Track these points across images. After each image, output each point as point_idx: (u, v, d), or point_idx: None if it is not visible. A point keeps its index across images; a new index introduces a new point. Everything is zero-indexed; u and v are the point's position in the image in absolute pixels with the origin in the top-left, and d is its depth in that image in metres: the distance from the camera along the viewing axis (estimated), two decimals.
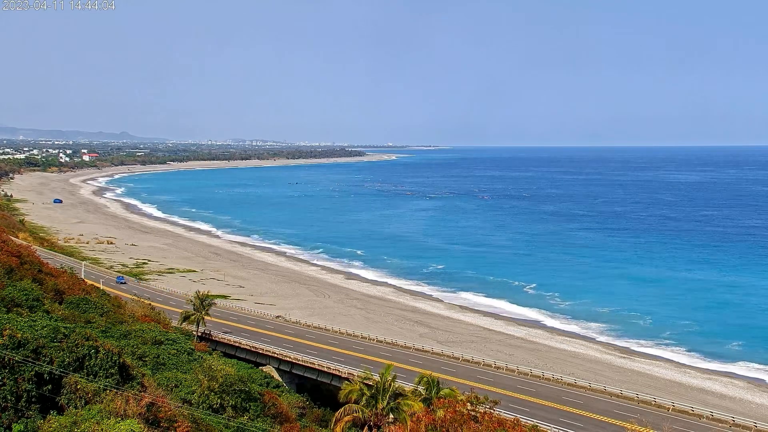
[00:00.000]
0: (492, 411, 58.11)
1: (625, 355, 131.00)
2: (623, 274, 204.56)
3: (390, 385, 63.85)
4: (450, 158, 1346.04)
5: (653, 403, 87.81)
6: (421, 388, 66.86)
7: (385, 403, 62.70)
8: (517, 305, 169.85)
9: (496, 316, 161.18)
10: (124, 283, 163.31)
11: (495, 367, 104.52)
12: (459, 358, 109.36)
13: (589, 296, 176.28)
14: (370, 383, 65.24)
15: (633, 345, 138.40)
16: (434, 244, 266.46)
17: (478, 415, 53.04)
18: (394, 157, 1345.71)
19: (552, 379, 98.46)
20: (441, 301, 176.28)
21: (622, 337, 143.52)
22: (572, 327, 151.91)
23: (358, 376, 78.53)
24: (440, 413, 50.98)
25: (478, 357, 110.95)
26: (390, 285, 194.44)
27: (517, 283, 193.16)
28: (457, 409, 51.34)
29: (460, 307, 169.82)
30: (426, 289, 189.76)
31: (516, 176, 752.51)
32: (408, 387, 70.34)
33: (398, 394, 64.37)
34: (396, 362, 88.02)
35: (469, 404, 56.88)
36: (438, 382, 67.45)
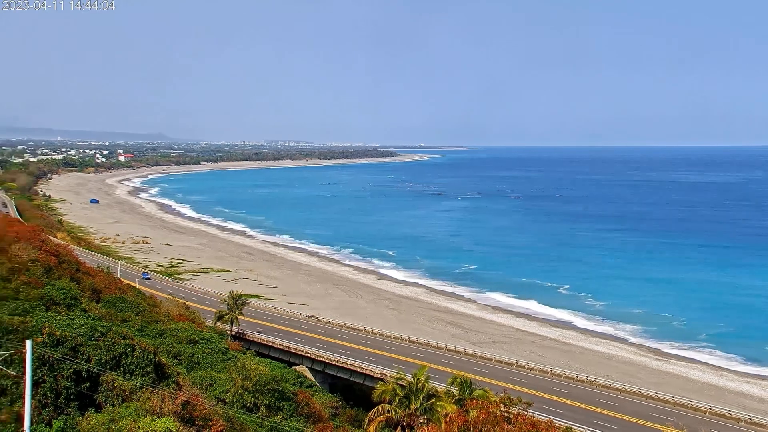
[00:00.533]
0: (525, 412, 57.80)
1: (659, 357, 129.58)
2: (656, 276, 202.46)
3: (423, 385, 63.77)
4: (480, 158, 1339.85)
5: (689, 406, 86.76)
6: (453, 389, 66.64)
7: (419, 404, 62.64)
8: (550, 306, 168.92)
9: (528, 317, 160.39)
10: (149, 279, 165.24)
11: (528, 369, 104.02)
12: (492, 359, 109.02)
13: (622, 297, 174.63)
14: (403, 384, 65.24)
15: (667, 347, 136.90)
16: (466, 244, 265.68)
17: (511, 416, 52.79)
18: (425, 158, 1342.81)
19: (586, 380, 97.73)
20: (473, 301, 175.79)
21: (656, 339, 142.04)
22: (605, 328, 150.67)
23: (391, 376, 78.57)
24: (473, 414, 50.80)
25: (511, 358, 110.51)
26: (422, 285, 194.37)
27: (549, 284, 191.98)
28: (490, 410, 51.15)
29: (493, 307, 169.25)
30: (458, 289, 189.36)
31: (544, 177, 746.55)
32: (441, 388, 70.17)
33: (431, 395, 64.25)
34: (429, 363, 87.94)
35: (502, 405, 56.59)
36: (471, 382, 67.22)
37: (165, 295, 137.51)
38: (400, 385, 65.24)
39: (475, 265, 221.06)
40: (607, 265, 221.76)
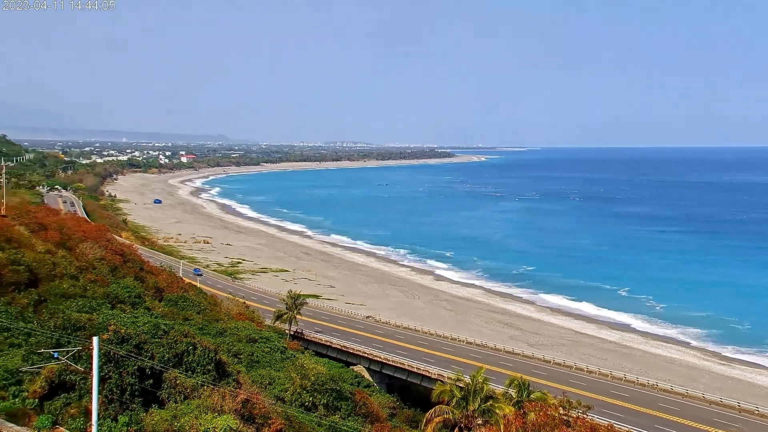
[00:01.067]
0: (585, 416, 57.25)
1: (723, 362, 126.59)
2: (719, 279, 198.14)
3: (481, 387, 63.56)
4: (539, 159, 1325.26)
5: (756, 412, 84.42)
6: (512, 391, 66.26)
7: (476, 405, 62.47)
8: (609, 309, 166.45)
9: (587, 319, 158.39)
10: (201, 275, 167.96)
11: (587, 371, 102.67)
12: (550, 362, 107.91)
13: (684, 300, 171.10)
14: (461, 385, 65.13)
15: (731, 351, 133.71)
16: (523, 245, 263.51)
17: (570, 419, 52.37)
18: (483, 159, 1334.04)
19: (647, 384, 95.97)
20: (531, 303, 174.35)
21: (719, 343, 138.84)
22: (667, 331, 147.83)
23: (448, 377, 78.48)
24: (531, 416, 50.54)
25: (570, 361, 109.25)
26: (479, 286, 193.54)
27: (608, 286, 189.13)
28: (549, 413, 50.80)
29: (551, 309, 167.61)
30: (515, 291, 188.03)
31: (605, 178, 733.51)
32: (498, 389, 69.84)
33: (489, 397, 64.01)
34: (486, 364, 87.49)
35: (561, 408, 56.14)
36: (529, 385, 66.75)
37: (225, 294, 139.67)
38: (458, 386, 65.18)
39: (533, 266, 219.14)
40: (668, 267, 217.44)
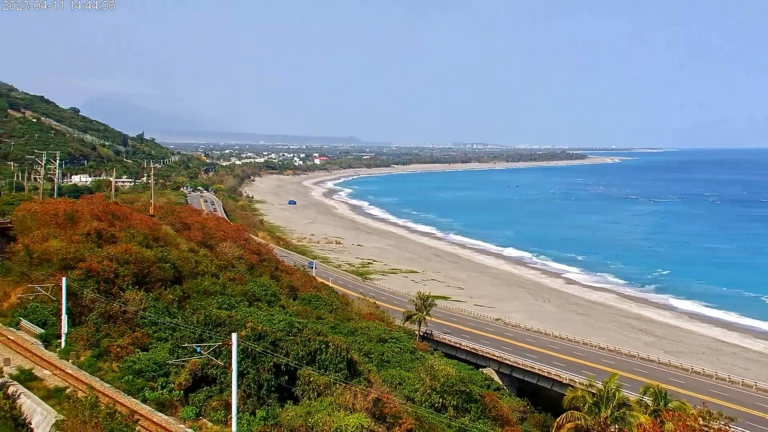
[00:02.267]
0: (727, 428, 54.72)
1: None
2: None
3: (614, 393, 61.82)
4: (675, 161, 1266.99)
5: None
6: (647, 399, 64.04)
7: (609, 412, 60.81)
8: (752, 317, 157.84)
9: (728, 326, 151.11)
10: (314, 267, 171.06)
11: (729, 381, 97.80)
12: (688, 370, 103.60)
13: None
14: (594, 391, 63.61)
15: None
16: (658, 249, 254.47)
17: (711, 431, 50.13)
18: (616, 160, 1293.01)
19: None
20: (667, 308, 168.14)
21: None
22: None
23: (580, 382, 76.80)
24: (669, 426, 48.74)
25: (710, 369, 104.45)
26: (612, 291, 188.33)
27: (751, 293, 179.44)
28: (688, 423, 48.76)
29: (689, 315, 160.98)
30: (650, 296, 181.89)
31: (744, 180, 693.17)
32: (633, 397, 67.68)
33: (622, 404, 62.14)
34: (619, 371, 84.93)
35: (700, 419, 53.75)
36: (666, 393, 64.28)
37: (356, 294, 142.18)
38: (590, 392, 63.68)
39: (668, 270, 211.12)
40: None
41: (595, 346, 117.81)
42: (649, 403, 63.67)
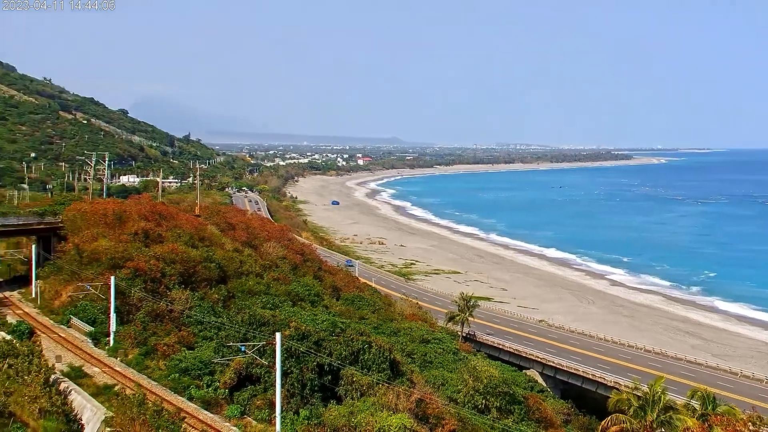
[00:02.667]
0: None
1: None
2: None
3: (660, 397, 61.01)
4: (723, 161, 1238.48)
5: None
6: (694, 403, 63.04)
7: (655, 416, 60.03)
8: None
9: None
10: (352, 266, 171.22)
11: None
12: (737, 374, 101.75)
13: None
14: (639, 394, 62.82)
15: None
16: (705, 251, 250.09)
17: None
18: (663, 161, 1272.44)
19: None
20: (714, 311, 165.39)
21: None
22: None
23: (625, 385, 75.96)
24: (717, 431, 47.90)
25: (761, 374, 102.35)
26: (658, 293, 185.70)
27: None
28: (738, 428, 47.82)
29: (737, 318, 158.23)
30: (697, 298, 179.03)
31: None
32: (679, 401, 66.71)
33: (669, 407, 61.29)
34: (665, 373, 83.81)
35: (750, 424, 52.71)
36: (714, 397, 63.21)
37: (399, 295, 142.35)
38: (636, 395, 62.92)
39: (715, 272, 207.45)
40: None
41: (641, 349, 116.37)
42: (697, 407, 62.71)
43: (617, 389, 78.60)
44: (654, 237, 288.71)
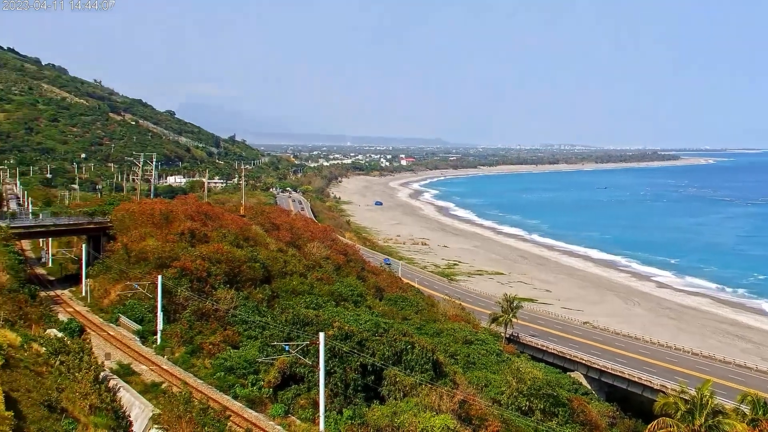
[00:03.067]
0: None
1: None
2: None
3: (708, 400, 59.99)
4: None
5: None
6: (744, 408, 61.86)
7: (703, 420, 59.04)
8: None
9: None
10: (390, 264, 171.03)
11: None
12: None
13: None
14: (686, 397, 61.87)
15: None
16: (754, 253, 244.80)
17: None
18: (711, 161, 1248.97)
19: None
20: (765, 314, 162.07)
21: None
22: None
23: (672, 389, 74.90)
24: None
25: None
26: (706, 295, 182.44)
27: None
28: None
29: None
30: (746, 301, 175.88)
31: None
32: (728, 405, 65.47)
33: (717, 412, 60.22)
34: (713, 377, 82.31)
35: None
36: (765, 402, 61.96)
37: (441, 295, 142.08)
38: (683, 398, 61.99)
39: (765, 275, 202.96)
40: None
41: (688, 352, 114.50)
42: (747, 411, 61.58)
43: (663, 392, 77.60)
44: (701, 238, 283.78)
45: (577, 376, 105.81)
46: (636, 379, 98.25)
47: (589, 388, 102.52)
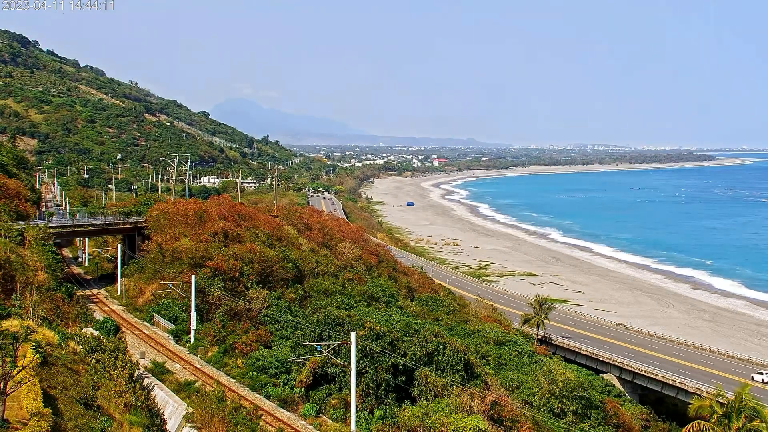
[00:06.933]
0: None
1: None
2: None
3: (745, 404, 59.13)
4: None
5: None
6: None
7: (740, 424, 58.17)
8: None
9: None
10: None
11: None
12: None
13: None
14: (722, 401, 61.05)
15: None
16: None
17: None
18: (748, 162, 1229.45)
19: None
20: None
21: None
22: None
23: (707, 392, 73.93)
24: None
25: None
26: (742, 297, 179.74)
27: None
28: None
29: None
30: None
31: None
32: (766, 409, 64.55)
33: (755, 416, 59.38)
34: (750, 381, 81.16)
35: None
36: None
37: (473, 296, 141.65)
38: (719, 402, 61.18)
39: None
40: None
41: (723, 355, 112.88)
42: None
43: (699, 395, 76.50)
44: (737, 240, 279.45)
45: (610, 378, 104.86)
46: (670, 382, 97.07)
47: (622, 390, 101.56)
